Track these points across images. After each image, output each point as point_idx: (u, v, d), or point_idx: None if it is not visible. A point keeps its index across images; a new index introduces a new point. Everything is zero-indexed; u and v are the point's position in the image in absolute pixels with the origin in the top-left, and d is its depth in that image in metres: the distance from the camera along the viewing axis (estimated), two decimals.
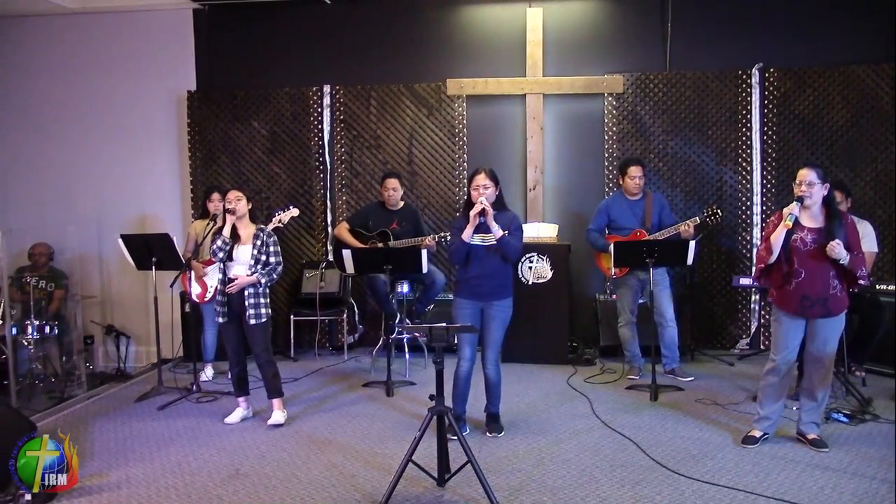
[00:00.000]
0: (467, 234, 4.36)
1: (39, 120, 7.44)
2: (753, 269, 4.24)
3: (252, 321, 4.75)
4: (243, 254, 4.77)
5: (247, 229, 4.84)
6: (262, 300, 4.78)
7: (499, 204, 4.45)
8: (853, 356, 5.37)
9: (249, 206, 4.88)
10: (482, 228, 4.36)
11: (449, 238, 5.33)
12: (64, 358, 6.48)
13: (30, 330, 5.98)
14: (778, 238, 3.99)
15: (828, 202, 4.04)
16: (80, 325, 6.71)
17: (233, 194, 4.83)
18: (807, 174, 4.01)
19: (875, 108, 6.44)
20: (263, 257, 4.79)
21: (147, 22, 7.27)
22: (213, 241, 4.80)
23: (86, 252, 7.28)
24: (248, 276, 4.74)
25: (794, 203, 4.01)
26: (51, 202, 7.40)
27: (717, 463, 4.01)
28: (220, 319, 4.82)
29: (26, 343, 5.97)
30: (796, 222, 4.01)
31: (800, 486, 3.68)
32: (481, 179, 4.39)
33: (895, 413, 4.70)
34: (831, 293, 3.99)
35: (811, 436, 4.18)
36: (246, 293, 4.75)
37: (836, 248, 3.89)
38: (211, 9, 7.20)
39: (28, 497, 3.61)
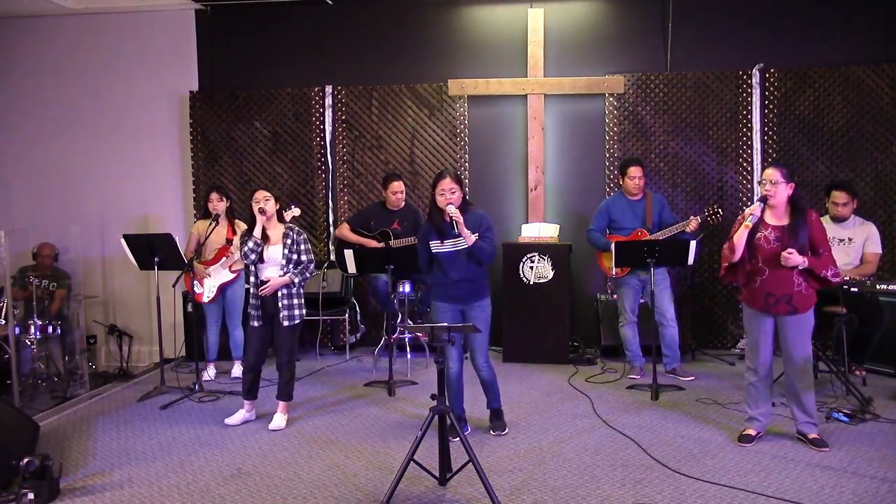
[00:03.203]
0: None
1: (42, 120, 7.47)
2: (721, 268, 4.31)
3: (285, 322, 4.71)
4: (274, 254, 4.73)
5: (275, 229, 4.79)
6: (295, 301, 4.75)
7: (465, 204, 4.34)
8: (853, 356, 5.39)
9: (277, 207, 4.83)
10: (452, 234, 4.27)
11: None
12: (66, 357, 6.49)
13: (32, 329, 5.99)
14: (740, 238, 4.07)
15: (793, 200, 4.10)
16: (82, 325, 6.72)
17: (261, 194, 4.76)
18: (771, 174, 4.08)
19: (875, 108, 6.46)
20: (295, 256, 4.75)
21: (149, 22, 7.30)
22: (243, 244, 4.75)
23: (88, 252, 7.29)
24: (280, 276, 4.72)
25: (757, 203, 4.09)
26: (53, 202, 7.42)
27: (718, 462, 4.02)
28: (256, 323, 4.76)
29: (29, 343, 5.98)
30: (762, 220, 4.09)
31: (800, 486, 3.69)
32: (447, 184, 4.25)
33: None
34: (795, 290, 4.05)
35: (812, 435, 4.19)
36: (279, 294, 4.71)
37: (790, 259, 3.96)
38: (213, 9, 7.22)
39: (31, 496, 3.63)
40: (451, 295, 4.39)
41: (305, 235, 4.86)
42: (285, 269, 4.72)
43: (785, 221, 4.09)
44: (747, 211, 4.09)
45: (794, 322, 4.10)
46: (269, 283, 4.71)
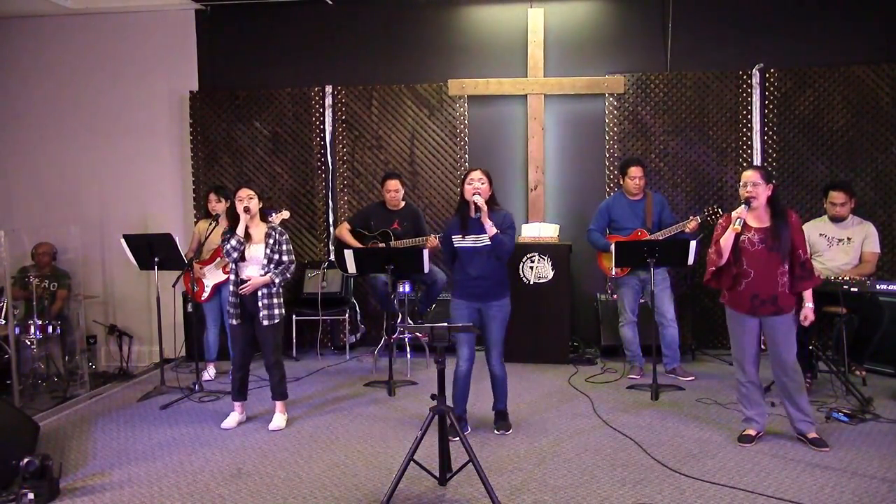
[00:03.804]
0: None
1: (42, 120, 7.47)
2: (705, 273, 4.34)
3: (265, 322, 4.71)
4: (256, 253, 4.72)
5: (258, 228, 4.78)
6: (275, 300, 4.74)
7: (492, 203, 4.43)
8: (853, 356, 5.39)
9: (261, 205, 4.81)
10: (475, 229, 4.36)
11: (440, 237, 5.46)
12: (67, 358, 6.49)
13: (33, 329, 5.99)
14: (728, 241, 4.12)
15: (772, 202, 4.17)
16: (82, 325, 6.72)
17: (244, 192, 4.72)
18: (751, 176, 4.15)
19: (875, 108, 6.46)
20: (276, 256, 4.75)
21: (149, 22, 7.30)
22: (226, 241, 4.72)
23: (88, 252, 7.30)
24: (261, 276, 4.70)
25: (742, 206, 4.13)
26: (53, 202, 7.43)
27: (718, 462, 4.02)
28: (234, 321, 4.74)
29: (29, 343, 5.98)
30: (744, 224, 4.15)
31: (800, 486, 3.69)
32: (476, 175, 4.38)
33: None
34: (780, 291, 4.12)
35: (811, 435, 4.20)
36: (259, 293, 4.70)
37: (810, 315, 4.17)
38: (213, 9, 7.22)
39: (31, 496, 3.63)
40: (469, 292, 4.44)
41: (287, 236, 4.85)
42: (266, 269, 4.72)
43: (766, 223, 4.16)
44: (734, 214, 4.13)
45: (780, 322, 4.15)
46: (249, 282, 4.70)
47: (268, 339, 4.75)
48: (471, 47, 7.00)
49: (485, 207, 4.29)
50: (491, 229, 4.30)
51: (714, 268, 4.22)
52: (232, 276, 4.75)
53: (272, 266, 4.73)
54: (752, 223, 4.17)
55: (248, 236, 4.73)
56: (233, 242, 4.67)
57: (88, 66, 7.39)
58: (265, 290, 4.71)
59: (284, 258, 4.77)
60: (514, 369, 6.07)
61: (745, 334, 4.24)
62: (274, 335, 4.77)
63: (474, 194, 4.32)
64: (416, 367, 6.19)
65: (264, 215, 4.88)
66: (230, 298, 4.75)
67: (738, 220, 4.09)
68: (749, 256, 4.14)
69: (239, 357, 4.85)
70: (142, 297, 7.27)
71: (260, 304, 4.70)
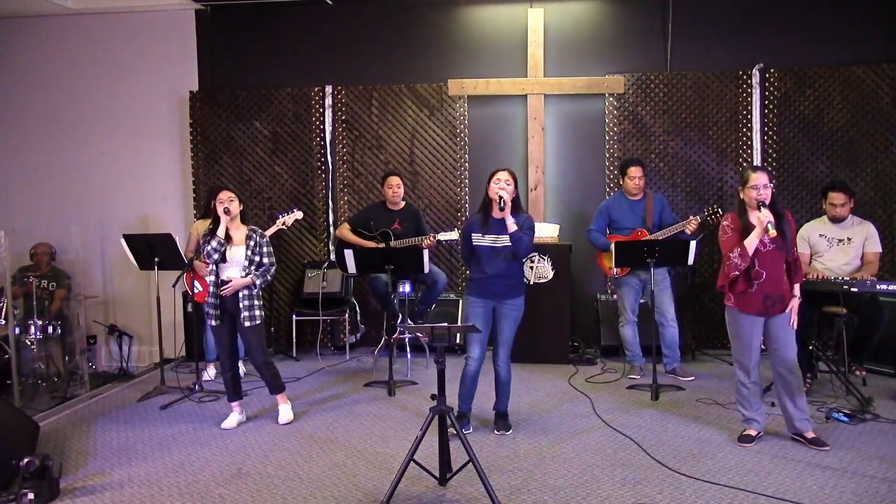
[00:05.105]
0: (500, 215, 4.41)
1: (42, 120, 7.46)
2: (720, 278, 4.31)
3: (247, 323, 4.73)
4: (237, 255, 4.75)
5: (238, 230, 4.81)
6: (255, 301, 4.77)
7: (515, 205, 4.47)
8: (853, 356, 5.39)
9: (241, 208, 4.85)
10: (496, 229, 4.41)
11: (456, 236, 5.71)
12: (66, 358, 6.49)
13: (32, 330, 5.99)
14: (753, 244, 4.11)
15: (773, 203, 4.18)
16: (82, 325, 6.72)
17: (225, 195, 4.77)
18: (763, 178, 4.16)
19: (875, 108, 6.46)
20: (257, 258, 4.78)
21: (149, 22, 7.30)
22: (206, 243, 4.73)
23: (88, 252, 7.29)
24: (242, 277, 4.73)
25: (763, 209, 4.10)
26: (53, 202, 7.42)
27: (718, 462, 4.02)
28: (213, 322, 4.77)
29: (29, 343, 5.99)
30: (752, 225, 4.16)
31: (800, 485, 3.69)
32: (504, 175, 4.44)
33: None
34: (786, 289, 4.18)
35: (810, 434, 4.20)
36: (240, 295, 4.73)
37: (795, 305, 4.21)
38: (213, 9, 7.22)
39: (31, 496, 3.63)
40: (486, 290, 4.48)
41: (268, 239, 4.89)
42: (247, 271, 4.74)
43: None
44: (762, 217, 4.06)
45: (785, 320, 4.18)
46: (231, 284, 4.72)
47: (251, 340, 4.79)
48: (471, 47, 7.00)
49: (509, 202, 4.35)
50: (512, 226, 4.35)
51: (738, 272, 4.16)
52: (212, 278, 4.77)
53: (253, 268, 4.76)
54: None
55: (228, 238, 4.76)
56: (213, 244, 4.70)
57: (88, 66, 7.38)
58: (246, 292, 4.74)
59: (265, 260, 4.81)
60: (515, 369, 6.01)
61: (752, 336, 4.23)
62: (257, 335, 4.80)
63: (500, 191, 4.36)
64: (416, 367, 6.19)
65: (245, 217, 4.91)
66: (210, 300, 4.77)
67: (770, 223, 4.03)
68: (761, 258, 4.13)
69: (226, 357, 4.88)
70: (142, 297, 7.26)
71: (241, 304, 4.73)
